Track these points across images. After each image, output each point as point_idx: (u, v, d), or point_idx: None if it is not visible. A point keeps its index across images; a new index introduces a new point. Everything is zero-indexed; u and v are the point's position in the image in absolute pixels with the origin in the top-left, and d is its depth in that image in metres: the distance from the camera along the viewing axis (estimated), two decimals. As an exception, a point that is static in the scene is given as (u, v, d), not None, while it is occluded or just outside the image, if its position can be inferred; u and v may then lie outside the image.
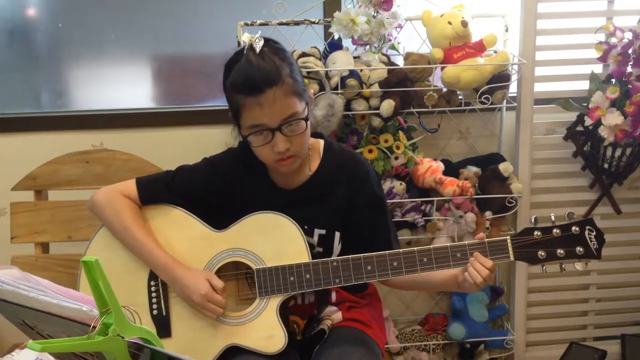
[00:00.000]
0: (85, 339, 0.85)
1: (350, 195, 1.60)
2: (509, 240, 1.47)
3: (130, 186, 1.63)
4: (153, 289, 1.60)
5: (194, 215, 1.61)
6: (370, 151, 2.15)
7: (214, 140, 2.20)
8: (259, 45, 1.45)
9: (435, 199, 2.22)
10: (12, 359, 1.31)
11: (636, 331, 2.51)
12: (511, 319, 2.47)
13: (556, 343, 2.50)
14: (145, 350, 0.86)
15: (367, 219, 1.61)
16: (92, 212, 1.65)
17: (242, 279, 1.60)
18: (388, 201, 2.14)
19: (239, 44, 2.11)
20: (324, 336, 1.58)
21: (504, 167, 2.20)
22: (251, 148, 1.51)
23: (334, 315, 1.64)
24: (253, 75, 1.42)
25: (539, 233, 1.46)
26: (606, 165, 2.26)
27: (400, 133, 2.19)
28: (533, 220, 1.48)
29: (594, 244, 1.45)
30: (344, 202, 1.60)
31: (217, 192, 1.62)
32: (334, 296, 1.66)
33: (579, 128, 2.29)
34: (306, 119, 1.49)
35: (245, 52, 1.45)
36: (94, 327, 0.85)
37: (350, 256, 1.51)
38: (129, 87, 2.43)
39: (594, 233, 1.45)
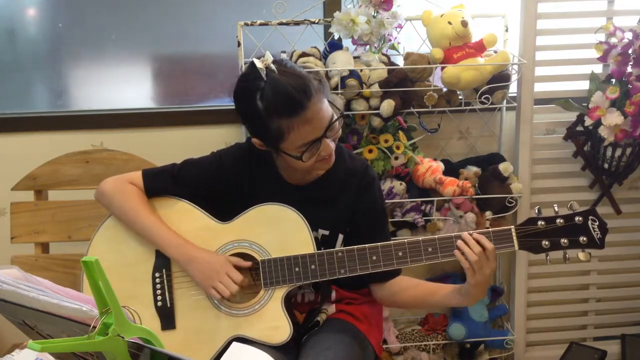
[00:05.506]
0: (85, 339, 0.85)
1: (355, 201, 1.61)
2: (513, 230, 1.48)
3: (136, 177, 1.63)
4: (157, 280, 1.60)
5: (198, 208, 1.61)
6: (370, 151, 2.15)
7: (214, 140, 2.22)
8: (272, 65, 1.42)
9: (435, 199, 2.22)
10: (12, 359, 1.31)
11: (636, 331, 2.51)
12: (511, 319, 2.47)
13: (556, 343, 2.50)
14: (145, 350, 0.86)
15: (365, 224, 1.62)
16: (100, 200, 1.65)
17: (246, 270, 1.60)
18: (388, 201, 2.14)
19: (239, 43, 2.11)
20: (317, 327, 1.60)
21: (504, 167, 2.20)
22: (291, 159, 1.49)
23: (328, 308, 1.65)
24: (292, 94, 1.39)
25: (542, 223, 1.47)
26: (606, 165, 2.26)
27: (400, 133, 2.19)
28: (537, 210, 1.49)
29: (597, 234, 1.46)
30: (351, 206, 1.61)
31: (224, 185, 1.62)
32: (333, 295, 1.67)
33: (579, 128, 2.29)
34: (341, 116, 1.51)
35: (265, 76, 1.41)
36: (94, 327, 0.85)
37: (355, 246, 1.52)
38: (129, 87, 2.43)
39: (597, 223, 1.46)
